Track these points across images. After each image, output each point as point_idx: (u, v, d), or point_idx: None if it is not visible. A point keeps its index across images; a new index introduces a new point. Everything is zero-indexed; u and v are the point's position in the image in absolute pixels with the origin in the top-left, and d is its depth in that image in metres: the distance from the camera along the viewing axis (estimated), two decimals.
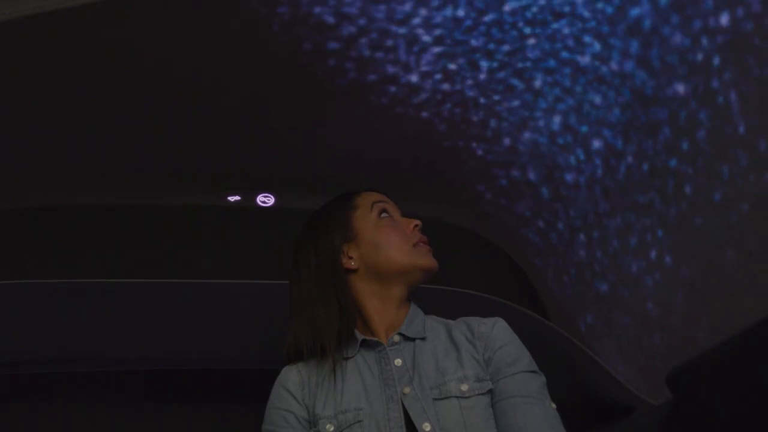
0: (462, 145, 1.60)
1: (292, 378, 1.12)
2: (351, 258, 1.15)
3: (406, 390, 1.04)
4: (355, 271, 1.15)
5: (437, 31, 1.32)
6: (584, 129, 1.50)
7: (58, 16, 1.12)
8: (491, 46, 1.36)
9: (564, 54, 1.37)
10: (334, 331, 1.10)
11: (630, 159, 1.43)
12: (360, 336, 1.12)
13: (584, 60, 1.37)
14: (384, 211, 1.21)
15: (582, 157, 1.55)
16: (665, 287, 1.41)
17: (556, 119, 1.53)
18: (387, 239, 1.15)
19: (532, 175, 1.64)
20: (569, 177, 1.60)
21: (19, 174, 1.57)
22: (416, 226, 1.20)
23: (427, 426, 1.00)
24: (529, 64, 1.41)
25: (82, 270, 1.61)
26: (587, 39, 1.33)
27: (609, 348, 1.61)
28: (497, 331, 1.11)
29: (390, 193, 1.26)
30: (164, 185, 1.68)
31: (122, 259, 1.67)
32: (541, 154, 1.61)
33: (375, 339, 1.11)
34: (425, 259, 1.16)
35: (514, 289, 1.83)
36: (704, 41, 1.17)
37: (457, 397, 1.03)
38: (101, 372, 1.84)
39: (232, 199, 1.74)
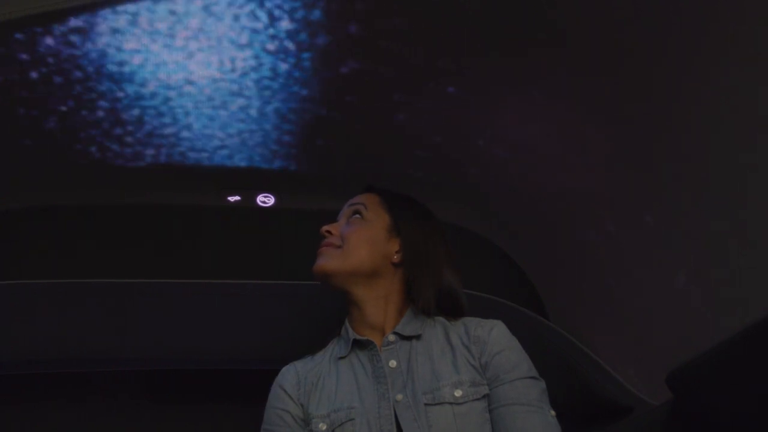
0: (463, 146, 1.60)
1: (288, 378, 1.13)
2: None
3: (399, 397, 1.03)
4: None
5: None
6: None
7: None
8: None
9: None
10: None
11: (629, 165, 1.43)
12: (352, 335, 1.13)
13: None
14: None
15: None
16: (666, 287, 1.40)
17: None
18: None
19: (532, 176, 1.64)
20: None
21: (19, 174, 1.57)
22: (323, 231, 1.22)
23: None
24: None
25: (82, 270, 1.60)
26: None
27: (609, 348, 1.61)
28: (495, 335, 1.10)
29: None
30: (164, 185, 1.67)
31: (122, 259, 1.66)
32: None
33: (366, 338, 1.12)
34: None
35: (515, 289, 1.82)
36: None
37: (450, 403, 1.01)
38: (101, 372, 1.83)
39: (232, 199, 1.74)
